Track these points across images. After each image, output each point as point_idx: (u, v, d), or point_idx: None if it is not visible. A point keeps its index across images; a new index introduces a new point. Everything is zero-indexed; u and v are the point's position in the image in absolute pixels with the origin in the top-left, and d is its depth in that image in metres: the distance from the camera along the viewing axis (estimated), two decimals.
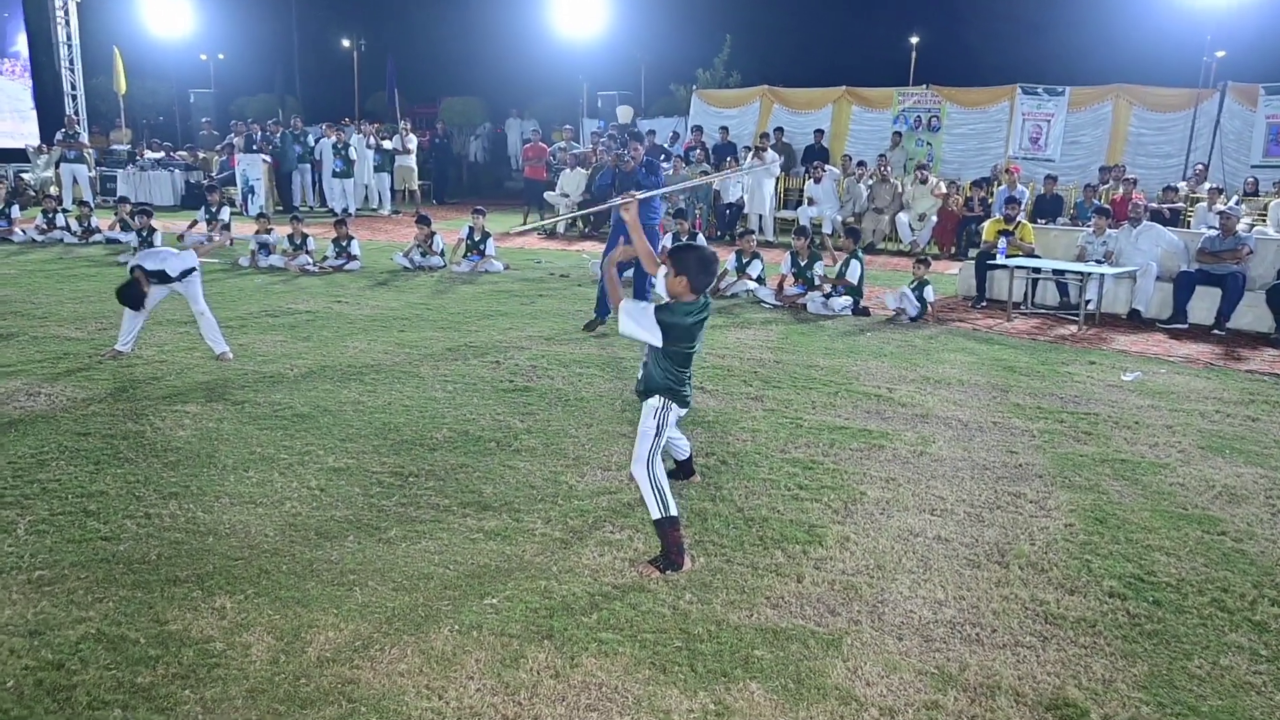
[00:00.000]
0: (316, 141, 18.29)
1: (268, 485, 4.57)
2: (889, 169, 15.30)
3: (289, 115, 23.22)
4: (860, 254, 9.80)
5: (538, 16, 26.47)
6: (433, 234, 11.61)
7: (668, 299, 3.83)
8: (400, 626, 3.26)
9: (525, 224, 15.96)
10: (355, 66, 30.50)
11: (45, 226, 13.76)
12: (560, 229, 15.92)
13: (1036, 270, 9.89)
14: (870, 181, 15.17)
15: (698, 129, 17.92)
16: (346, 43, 33.04)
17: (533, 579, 3.63)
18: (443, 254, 11.65)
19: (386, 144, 18.22)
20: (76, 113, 21.44)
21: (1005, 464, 5.13)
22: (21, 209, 14.76)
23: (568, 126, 19.04)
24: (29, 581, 3.57)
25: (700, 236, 11.96)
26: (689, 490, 4.54)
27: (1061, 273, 9.76)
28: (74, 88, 21.87)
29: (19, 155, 20.57)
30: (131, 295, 6.59)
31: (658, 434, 3.84)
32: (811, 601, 3.53)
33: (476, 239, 11.53)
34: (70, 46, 21.65)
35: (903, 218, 14.61)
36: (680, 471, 4.62)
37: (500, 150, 27.50)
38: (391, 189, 18.48)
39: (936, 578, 3.75)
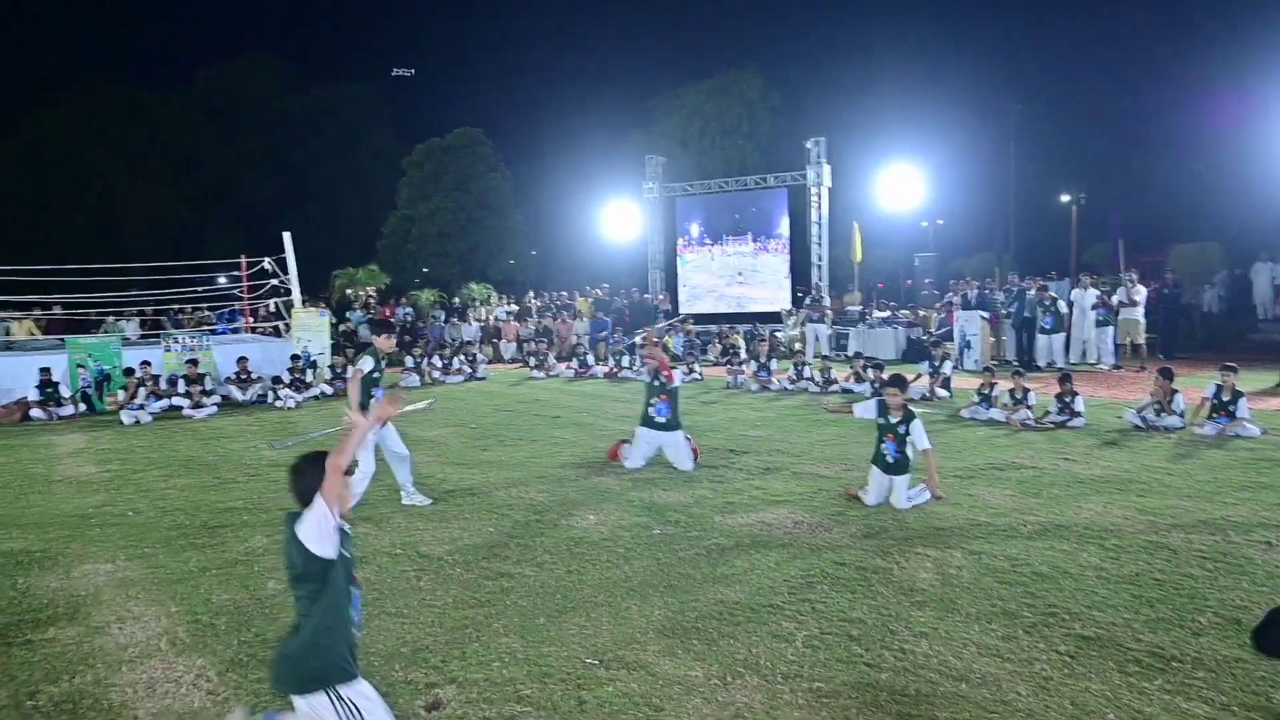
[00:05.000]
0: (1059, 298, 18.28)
1: (1013, 641, 4.51)
2: None
3: (1005, 272, 23.74)
4: None
5: None
6: (1175, 391, 10.61)
7: None
8: None
9: None
10: (1073, 220, 30.10)
11: (794, 378, 16.03)
12: None
13: None
14: None
15: None
16: (1065, 197, 32.85)
17: None
18: (1182, 414, 10.55)
19: (1113, 299, 17.40)
20: (820, 279, 24.86)
21: None
22: (776, 362, 17.44)
23: None
24: (810, 690, 4.03)
25: None
26: None
27: None
28: (819, 259, 25.44)
29: (774, 317, 24.53)
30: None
31: None
32: None
33: (1225, 399, 10.21)
34: (819, 225, 25.35)
35: None
36: None
37: (1242, 299, 24.26)
38: (1115, 343, 17.50)
39: None
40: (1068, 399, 11.11)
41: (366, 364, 7.58)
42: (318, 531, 3.40)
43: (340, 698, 3.47)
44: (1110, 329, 17.42)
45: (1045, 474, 8.38)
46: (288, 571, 3.47)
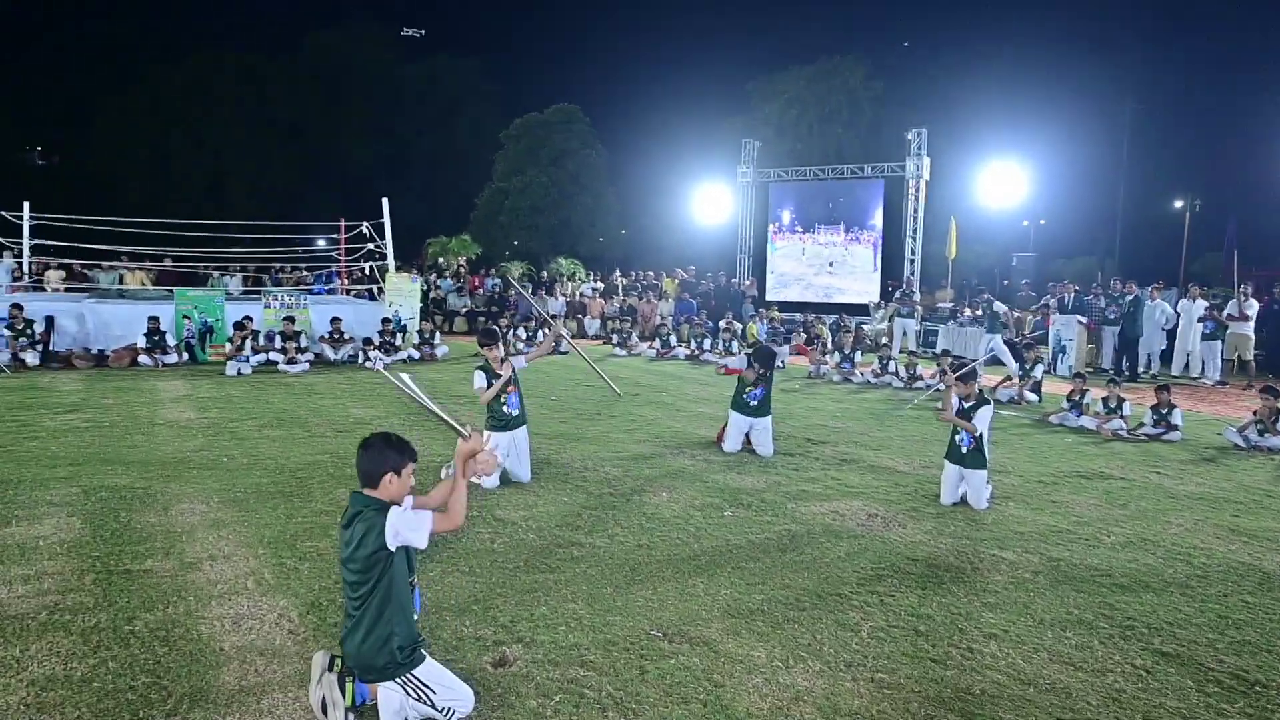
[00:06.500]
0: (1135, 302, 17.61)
1: (1087, 651, 4.41)
2: None
3: (1108, 278, 22.92)
4: None
5: None
6: (1279, 410, 10.13)
7: None
8: None
9: None
10: (1185, 227, 28.86)
11: (879, 371, 15.79)
12: None
13: None
14: None
15: None
16: (1178, 203, 31.49)
17: None
18: None
19: (1223, 312, 16.64)
20: (912, 274, 24.37)
21: None
22: (861, 354, 17.22)
23: None
24: (872, 680, 4.01)
25: None
26: None
27: None
28: (913, 253, 24.92)
29: (862, 309, 24.16)
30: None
31: None
32: None
33: None
34: (915, 219, 24.81)
35: None
36: None
37: None
38: (1222, 358, 16.75)
39: None
40: (1165, 411, 10.71)
41: (479, 380, 7.42)
42: (415, 528, 3.41)
43: (408, 681, 3.53)
44: (1217, 343, 16.67)
45: (1135, 486, 8.11)
46: (345, 550, 3.48)
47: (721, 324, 20.55)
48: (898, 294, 22.85)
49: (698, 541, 6.01)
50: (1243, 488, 8.18)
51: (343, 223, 21.53)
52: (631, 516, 6.57)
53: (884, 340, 21.33)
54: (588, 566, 5.45)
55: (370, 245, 20.81)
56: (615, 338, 20.61)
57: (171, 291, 17.52)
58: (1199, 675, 4.17)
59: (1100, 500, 7.51)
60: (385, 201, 20.20)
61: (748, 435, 9.04)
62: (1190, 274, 25.66)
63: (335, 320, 16.70)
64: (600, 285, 27.86)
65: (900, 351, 19.39)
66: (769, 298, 26.40)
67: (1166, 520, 6.93)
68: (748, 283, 26.36)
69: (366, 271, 21.92)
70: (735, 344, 19.16)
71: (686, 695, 3.84)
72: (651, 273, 28.92)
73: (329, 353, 16.20)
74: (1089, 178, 35.87)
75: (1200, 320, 16.89)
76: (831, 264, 26.24)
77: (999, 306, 17.52)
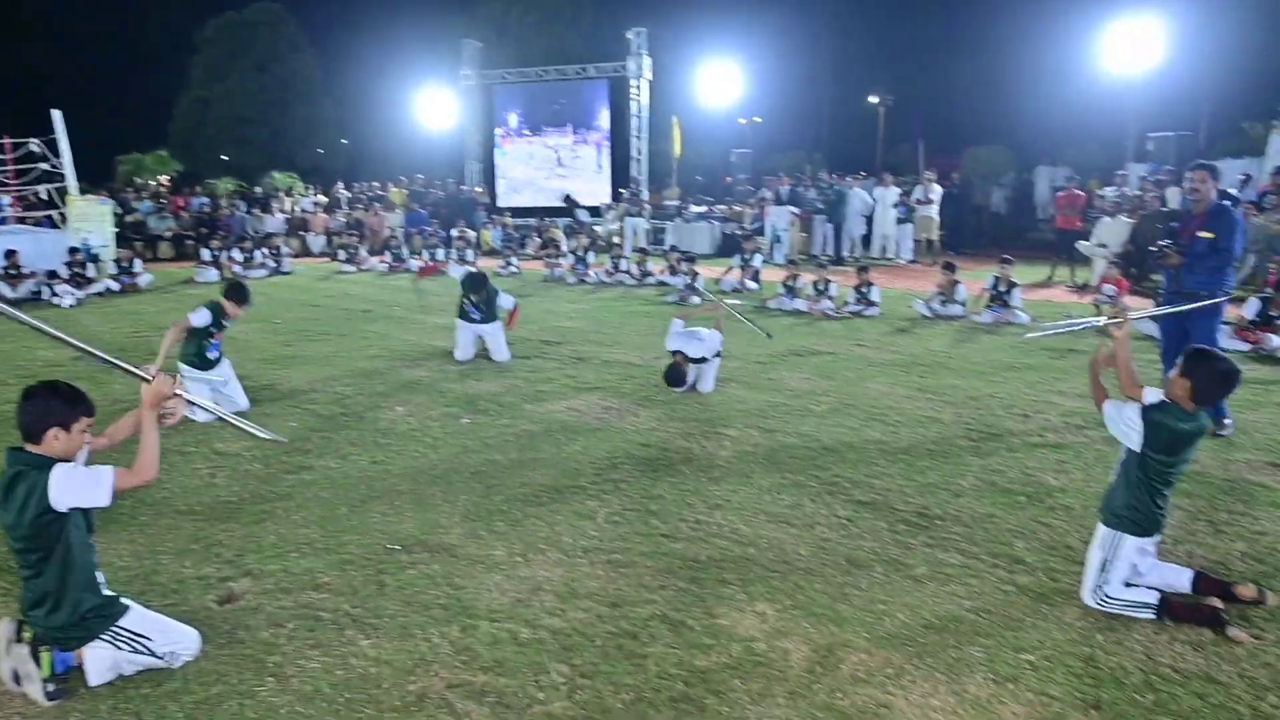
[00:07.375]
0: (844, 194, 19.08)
1: (799, 509, 4.83)
2: None
3: (815, 170, 24.58)
4: None
5: (1076, 60, 24.89)
6: (956, 282, 11.43)
7: (1164, 396, 3.60)
8: (932, 663, 3.24)
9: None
10: (880, 121, 31.39)
11: (611, 270, 16.17)
12: (1093, 282, 14.65)
13: None
14: None
15: None
16: (874, 99, 34.07)
17: (1074, 644, 3.38)
18: (964, 303, 11.40)
19: (908, 200, 18.39)
20: (639, 174, 24.92)
21: None
22: (595, 255, 17.52)
23: (1120, 173, 17.62)
24: (608, 562, 4.19)
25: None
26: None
27: None
28: (639, 153, 25.45)
29: (593, 211, 24.47)
30: (674, 376, 7.41)
31: (1103, 570, 3.60)
32: None
33: (1002, 289, 11.11)
34: (639, 119, 25.25)
35: None
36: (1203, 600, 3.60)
37: (1025, 200, 26.19)
38: (913, 239, 18.59)
39: None
40: (864, 290, 11.76)
41: (201, 317, 6.76)
42: (90, 487, 3.07)
43: (118, 635, 3.26)
44: (909, 225, 18.46)
45: (840, 358, 8.91)
46: (8, 517, 3.10)
47: (454, 233, 20.11)
48: (627, 194, 23.31)
49: (435, 452, 5.95)
50: (928, 351, 9.21)
51: (7, 141, 18.75)
52: (365, 434, 6.38)
53: (616, 240, 21.76)
54: (319, 490, 5.25)
55: (44, 165, 18.29)
56: (342, 254, 19.61)
57: None
58: (891, 517, 4.70)
59: (811, 374, 8.18)
60: (58, 114, 17.74)
61: (482, 341, 9.00)
62: (885, 164, 28.00)
63: (10, 254, 14.67)
64: (322, 199, 26.27)
65: (632, 250, 19.89)
66: (501, 204, 26.09)
67: (866, 386, 7.68)
68: (478, 190, 25.85)
69: (43, 196, 19.29)
70: (471, 253, 18.83)
71: (427, 601, 3.83)
72: (377, 184, 27.63)
73: (6, 290, 14.24)
74: (798, 76, 37.96)
75: (894, 206, 18.58)
76: (562, 165, 26.28)
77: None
